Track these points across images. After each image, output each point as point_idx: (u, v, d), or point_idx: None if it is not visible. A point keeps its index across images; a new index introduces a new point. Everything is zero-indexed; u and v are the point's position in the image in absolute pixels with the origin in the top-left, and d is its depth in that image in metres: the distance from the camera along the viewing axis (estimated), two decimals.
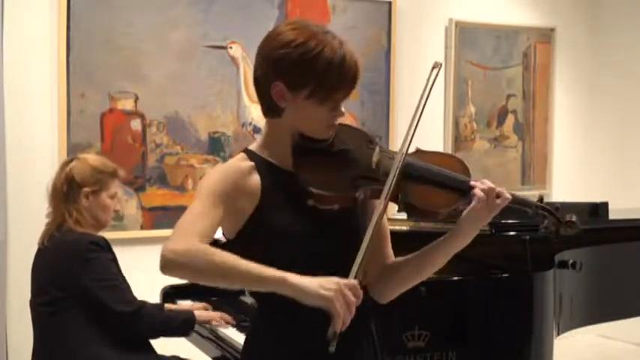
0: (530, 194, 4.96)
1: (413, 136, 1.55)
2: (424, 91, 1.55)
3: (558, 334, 2.50)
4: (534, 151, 5.11)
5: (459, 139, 4.76)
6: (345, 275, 1.40)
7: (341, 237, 1.50)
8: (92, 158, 2.64)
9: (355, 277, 1.36)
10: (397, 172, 1.48)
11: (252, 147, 1.58)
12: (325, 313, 1.44)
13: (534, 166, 5.12)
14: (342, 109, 1.53)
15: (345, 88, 1.50)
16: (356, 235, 1.44)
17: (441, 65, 1.56)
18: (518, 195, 1.58)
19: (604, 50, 5.29)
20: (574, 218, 1.57)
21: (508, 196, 1.52)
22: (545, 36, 5.09)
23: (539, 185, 5.12)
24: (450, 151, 4.66)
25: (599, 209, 2.98)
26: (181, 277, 1.43)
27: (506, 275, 2.29)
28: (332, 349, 1.31)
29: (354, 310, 1.33)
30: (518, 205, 1.56)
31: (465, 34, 4.71)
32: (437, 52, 4.65)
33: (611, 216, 3.05)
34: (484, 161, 4.87)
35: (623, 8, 5.21)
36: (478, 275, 2.32)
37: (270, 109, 1.53)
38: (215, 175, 1.51)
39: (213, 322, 2.62)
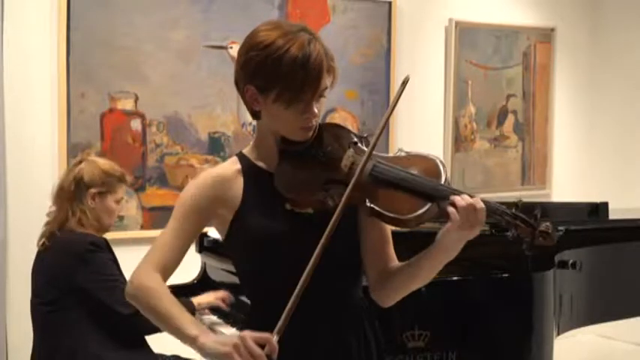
0: (531, 194, 4.97)
1: (376, 142, 1.47)
2: (393, 103, 1.49)
3: (558, 334, 2.50)
4: (534, 151, 5.11)
5: (459, 139, 4.75)
6: (323, 278, 1.43)
7: (318, 240, 1.45)
8: (102, 161, 2.65)
9: (281, 329, 1.34)
10: (355, 179, 1.41)
11: (245, 150, 1.60)
12: (316, 311, 1.49)
13: (534, 166, 5.12)
14: (316, 110, 1.48)
15: (310, 87, 1.45)
16: (334, 240, 1.41)
17: (408, 80, 1.48)
18: (492, 202, 1.42)
19: (604, 50, 5.29)
20: (550, 229, 1.39)
21: (482, 205, 1.38)
22: (545, 36, 5.09)
23: (539, 185, 5.12)
24: (449, 151, 4.66)
25: (599, 209, 2.99)
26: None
27: (506, 275, 2.29)
28: None
29: None
30: (492, 215, 1.42)
31: (465, 34, 4.71)
32: (437, 52, 4.65)
33: (611, 216, 3.05)
34: (484, 161, 4.87)
35: (623, 8, 5.20)
36: (478, 275, 2.32)
37: (250, 112, 1.55)
38: (191, 188, 1.54)
39: (219, 305, 2.65)
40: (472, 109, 4.81)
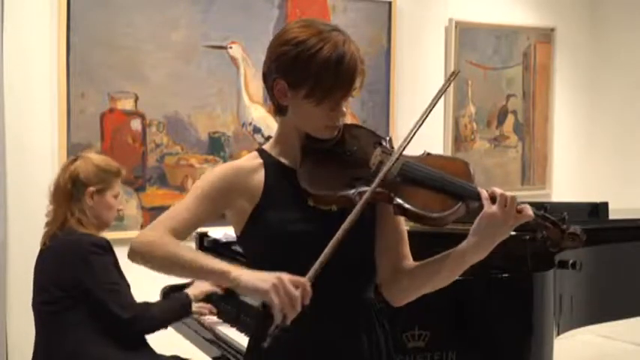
0: (531, 194, 4.96)
1: (411, 138, 1.50)
2: (437, 95, 1.50)
3: (558, 334, 2.50)
4: (534, 151, 5.11)
5: (459, 139, 4.76)
6: (340, 275, 1.44)
7: None
8: (96, 157, 2.64)
9: (313, 277, 1.33)
10: (384, 172, 1.42)
11: (266, 146, 1.60)
12: (327, 311, 1.48)
13: (534, 166, 5.12)
14: (344, 109, 1.50)
15: (342, 88, 1.46)
16: (350, 238, 1.40)
17: (458, 72, 1.51)
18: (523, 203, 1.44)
19: (604, 50, 5.29)
20: (578, 231, 1.42)
21: (530, 213, 1.41)
22: (545, 36, 5.09)
23: (539, 185, 5.12)
24: (449, 151, 4.66)
25: (599, 209, 2.98)
26: (143, 265, 1.45)
27: (506, 275, 2.28)
28: (265, 344, 1.30)
29: (298, 306, 1.30)
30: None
31: (465, 34, 4.71)
32: (437, 52, 4.65)
33: (611, 216, 3.05)
34: (484, 161, 4.87)
35: (623, 8, 5.21)
36: (478, 275, 2.32)
37: (276, 106, 1.55)
38: (210, 174, 1.54)
39: (210, 291, 2.67)
40: (472, 109, 4.81)
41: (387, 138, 1.58)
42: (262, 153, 1.57)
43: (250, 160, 1.56)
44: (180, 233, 1.47)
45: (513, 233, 2.43)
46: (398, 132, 4.33)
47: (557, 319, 2.46)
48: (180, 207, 1.49)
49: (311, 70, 1.44)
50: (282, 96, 1.50)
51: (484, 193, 1.41)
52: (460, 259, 1.48)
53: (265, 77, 1.53)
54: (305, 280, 1.32)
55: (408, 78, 4.42)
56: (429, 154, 1.57)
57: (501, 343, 2.24)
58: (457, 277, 2.21)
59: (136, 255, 1.44)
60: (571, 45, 5.23)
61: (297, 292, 1.30)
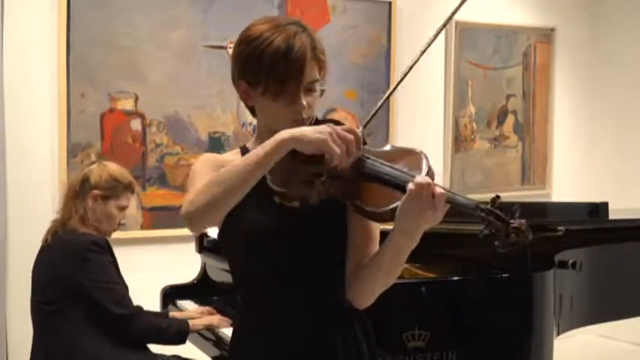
0: (531, 194, 4.97)
1: (373, 116, 1.51)
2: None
3: (558, 334, 2.50)
4: (534, 151, 5.11)
5: (459, 139, 4.75)
6: (310, 275, 1.45)
7: (306, 234, 1.46)
8: (113, 167, 2.64)
9: (364, 127, 1.37)
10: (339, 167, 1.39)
11: (248, 143, 1.62)
12: (298, 312, 1.49)
13: (534, 166, 5.12)
14: (304, 102, 1.47)
15: (294, 78, 1.44)
16: (321, 233, 1.38)
17: None
18: (459, 195, 1.33)
19: (604, 50, 5.29)
20: (523, 226, 1.29)
21: (442, 190, 1.31)
22: (545, 36, 5.09)
23: (539, 185, 5.12)
24: (449, 151, 4.66)
25: (599, 209, 2.98)
26: (209, 218, 1.39)
27: (506, 275, 2.28)
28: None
29: (353, 148, 1.34)
30: (455, 206, 1.32)
31: (465, 34, 4.71)
32: (437, 52, 4.65)
33: (611, 216, 3.05)
34: (484, 161, 4.87)
35: (623, 8, 5.21)
36: (478, 275, 2.32)
37: (247, 108, 1.56)
38: (199, 161, 1.55)
39: (214, 327, 2.62)
40: (472, 109, 4.81)
41: (367, 132, 1.55)
42: (244, 150, 1.59)
43: (231, 155, 1.59)
44: None
45: None
46: (398, 132, 4.34)
47: (557, 319, 2.46)
48: (197, 186, 1.43)
49: (262, 64, 1.43)
50: (247, 97, 1.51)
51: (410, 184, 1.32)
52: (395, 249, 1.41)
53: (233, 81, 1.54)
54: (353, 128, 1.36)
55: (408, 78, 4.39)
56: (392, 146, 1.52)
57: (501, 343, 2.24)
58: (457, 277, 2.22)
59: (192, 215, 1.38)
60: (571, 45, 5.23)
61: (350, 136, 1.33)
